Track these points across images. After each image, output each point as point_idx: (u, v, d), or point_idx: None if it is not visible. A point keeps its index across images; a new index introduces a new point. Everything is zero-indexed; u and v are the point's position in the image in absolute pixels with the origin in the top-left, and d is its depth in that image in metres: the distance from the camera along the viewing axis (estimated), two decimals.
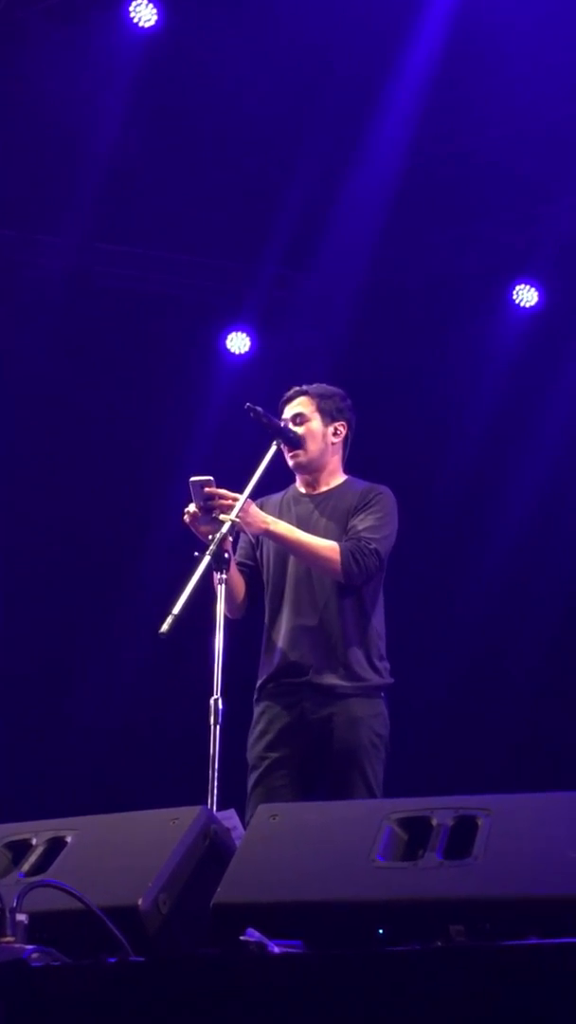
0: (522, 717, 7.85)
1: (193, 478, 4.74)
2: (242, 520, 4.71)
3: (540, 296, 8.29)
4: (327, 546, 4.85)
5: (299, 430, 5.04)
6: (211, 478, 4.73)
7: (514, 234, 8.03)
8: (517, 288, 8.29)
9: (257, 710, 4.95)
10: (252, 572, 5.07)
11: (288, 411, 5.11)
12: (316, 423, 5.08)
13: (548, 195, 7.79)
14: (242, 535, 5.05)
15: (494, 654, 8.07)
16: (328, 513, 5.00)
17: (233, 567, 4.80)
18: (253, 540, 5.09)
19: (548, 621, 7.95)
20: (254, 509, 4.81)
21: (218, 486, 4.72)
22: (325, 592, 4.91)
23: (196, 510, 4.72)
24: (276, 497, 5.15)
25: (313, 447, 5.06)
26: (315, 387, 5.16)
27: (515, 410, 8.16)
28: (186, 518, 4.76)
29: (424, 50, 7.15)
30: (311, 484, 5.11)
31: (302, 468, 5.08)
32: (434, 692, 7.74)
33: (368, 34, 7.09)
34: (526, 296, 8.30)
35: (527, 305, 8.31)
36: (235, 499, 4.70)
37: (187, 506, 4.75)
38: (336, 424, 5.11)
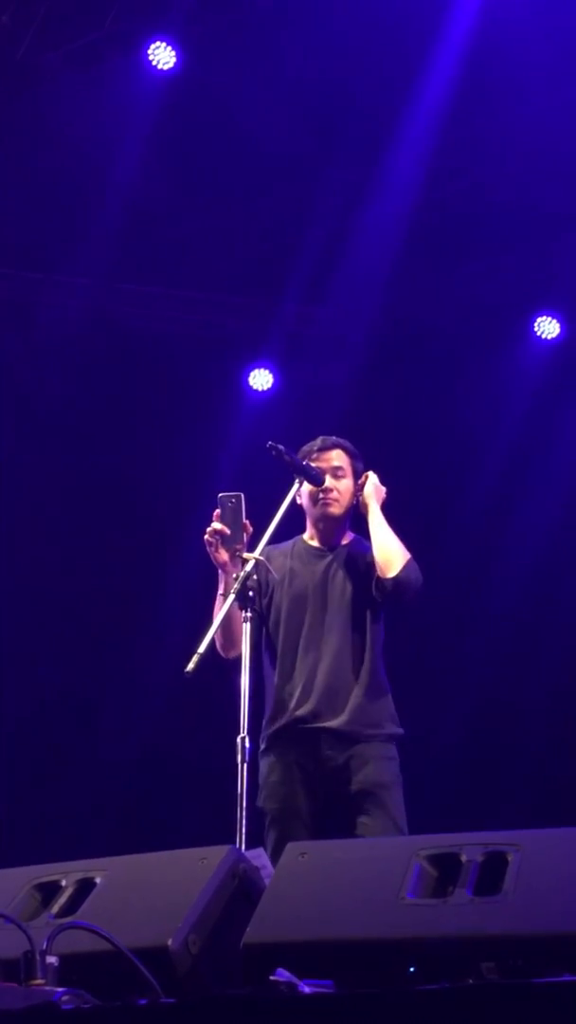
0: (547, 752, 7.81)
1: (222, 494, 4.75)
2: (365, 491, 5.04)
3: (562, 328, 8.29)
4: (402, 547, 4.99)
5: (339, 484, 5.09)
6: (240, 495, 4.74)
7: (535, 267, 8.03)
8: (539, 320, 8.30)
9: (268, 759, 4.92)
10: (258, 618, 5.02)
11: (328, 462, 5.13)
12: (349, 480, 5.16)
13: (568, 227, 7.79)
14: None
15: (514, 688, 8.03)
16: (345, 569, 5.06)
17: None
18: (263, 587, 5.07)
19: (568, 655, 7.91)
20: (373, 489, 5.06)
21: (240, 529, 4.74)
22: (340, 639, 4.93)
23: (222, 529, 4.72)
24: (286, 546, 5.16)
25: (346, 502, 5.13)
26: (346, 444, 5.23)
27: (537, 443, 8.14)
28: (207, 537, 4.76)
29: (440, 84, 7.18)
30: (326, 536, 5.15)
31: (332, 519, 5.12)
32: (455, 730, 7.72)
33: (384, 69, 7.12)
34: (548, 328, 8.30)
35: (549, 337, 8.31)
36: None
37: (211, 523, 4.76)
38: (358, 483, 5.19)
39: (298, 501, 5.04)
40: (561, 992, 2.21)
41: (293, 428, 7.41)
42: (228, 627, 4.75)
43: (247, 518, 4.75)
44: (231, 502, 4.74)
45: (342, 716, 4.85)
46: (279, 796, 4.84)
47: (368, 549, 5.07)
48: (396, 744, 4.96)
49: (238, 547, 4.72)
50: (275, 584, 5.07)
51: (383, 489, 5.12)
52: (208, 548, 4.78)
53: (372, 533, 5.02)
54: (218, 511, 4.76)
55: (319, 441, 5.20)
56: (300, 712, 4.89)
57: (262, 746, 4.92)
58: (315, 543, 5.17)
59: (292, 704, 4.91)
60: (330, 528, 5.14)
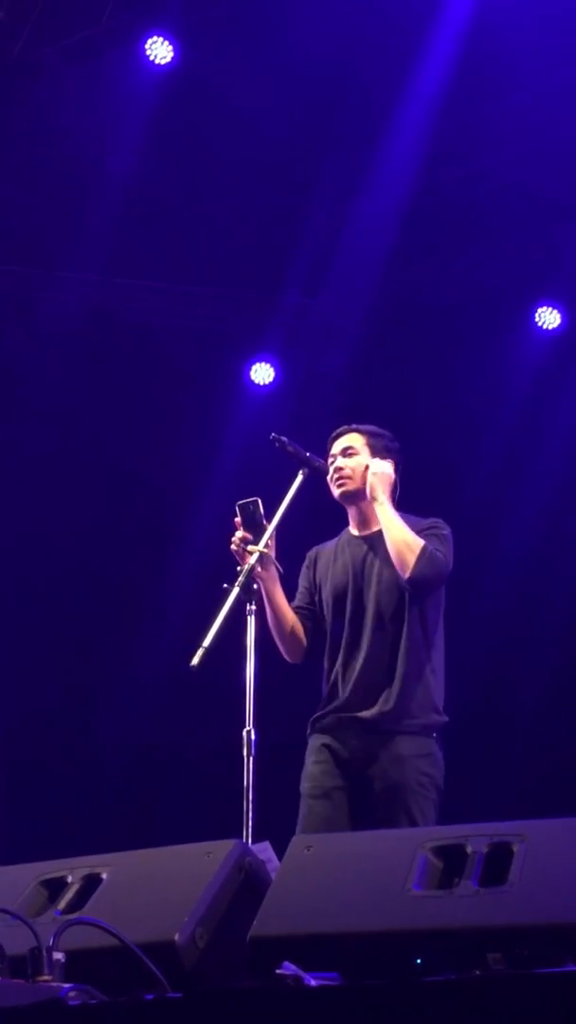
0: (553, 740, 7.80)
1: (240, 502, 4.77)
2: (368, 481, 4.92)
3: (563, 318, 8.28)
4: (415, 539, 4.88)
5: (348, 462, 5.07)
6: (257, 499, 4.76)
7: (536, 256, 8.02)
8: (539, 310, 8.28)
9: (309, 746, 4.96)
10: (312, 616, 5.09)
11: (337, 445, 5.14)
12: (365, 457, 5.10)
13: (569, 215, 7.78)
14: (301, 580, 5.09)
15: (519, 676, 8.02)
16: (383, 556, 4.99)
17: (287, 609, 4.92)
18: (311, 585, 5.11)
19: (571, 642, 7.91)
20: (380, 479, 4.94)
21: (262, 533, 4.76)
22: (385, 630, 4.91)
23: (246, 535, 4.76)
24: (330, 545, 5.18)
25: (359, 478, 5.08)
26: (365, 426, 5.21)
27: (537, 433, 8.14)
28: (233, 546, 4.80)
29: (438, 71, 7.17)
30: (362, 522, 5.11)
31: (348, 497, 5.09)
32: (462, 718, 7.71)
33: (381, 57, 7.12)
34: (548, 318, 8.29)
35: (550, 327, 8.30)
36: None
37: (234, 532, 4.79)
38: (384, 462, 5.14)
39: (310, 480, 5.05)
40: (568, 982, 2.21)
41: (295, 421, 7.44)
42: (280, 634, 4.89)
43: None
44: (249, 508, 4.77)
45: (374, 707, 4.83)
46: (312, 776, 4.86)
47: (411, 524, 5.02)
48: (436, 734, 4.90)
49: (264, 551, 4.76)
50: (321, 579, 5.10)
51: (388, 476, 5.01)
52: (236, 556, 4.82)
53: (383, 529, 4.97)
54: (239, 519, 4.79)
55: (335, 433, 5.21)
56: (337, 702, 4.91)
57: (308, 729, 4.97)
58: (355, 532, 5.15)
59: (333, 694, 4.93)
60: (361, 511, 5.10)
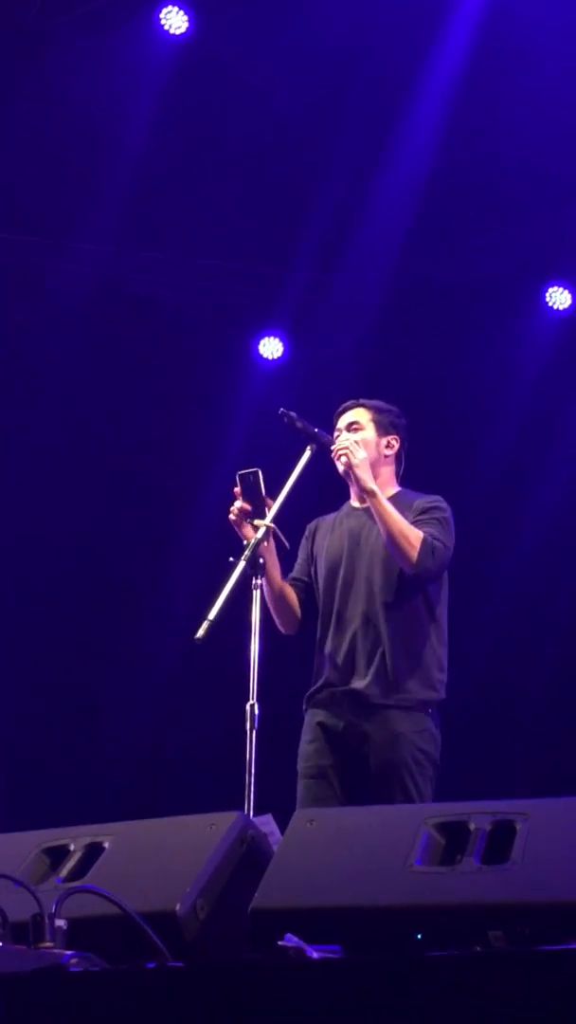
0: (557, 720, 7.81)
1: (241, 471, 4.77)
2: (355, 472, 4.85)
3: (574, 299, 8.26)
4: (414, 531, 4.85)
5: (353, 437, 5.05)
6: (257, 470, 4.75)
7: (547, 236, 7.99)
8: (550, 291, 8.26)
9: (306, 719, 4.95)
10: (307, 588, 5.09)
11: (343, 420, 5.14)
12: (370, 432, 5.10)
13: None
14: (300, 552, 5.10)
15: (526, 656, 8.02)
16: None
17: (283, 582, 4.91)
18: (308, 557, 5.12)
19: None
20: (364, 467, 4.88)
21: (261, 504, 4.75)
22: (376, 603, 4.90)
23: (244, 506, 4.75)
24: (331, 517, 5.18)
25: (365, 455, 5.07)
26: (371, 401, 5.20)
27: (547, 414, 8.12)
28: (232, 516, 4.78)
29: (453, 51, 7.13)
30: (363, 496, 5.10)
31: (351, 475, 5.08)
32: (465, 696, 7.71)
33: (397, 36, 7.07)
34: (559, 299, 8.27)
35: (560, 308, 8.28)
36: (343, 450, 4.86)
37: (233, 502, 4.78)
38: (389, 437, 5.14)
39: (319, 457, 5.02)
40: (568, 960, 2.21)
41: (303, 397, 7.42)
42: (275, 605, 4.88)
43: (266, 493, 4.78)
44: (250, 478, 4.76)
45: (364, 679, 4.82)
46: (307, 755, 4.87)
47: (410, 500, 5.03)
48: (434, 711, 4.88)
49: (270, 526, 4.75)
50: (318, 551, 5.09)
51: (366, 461, 4.93)
52: (235, 527, 4.81)
53: (379, 523, 4.90)
54: (238, 489, 4.78)
55: (341, 407, 5.20)
56: (327, 673, 4.91)
57: (304, 705, 4.96)
58: (356, 504, 5.15)
59: (325, 668, 4.93)
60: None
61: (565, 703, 7.82)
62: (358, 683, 4.83)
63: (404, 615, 4.91)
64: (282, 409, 4.90)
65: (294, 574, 5.11)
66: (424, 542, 4.83)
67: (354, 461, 4.91)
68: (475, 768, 7.57)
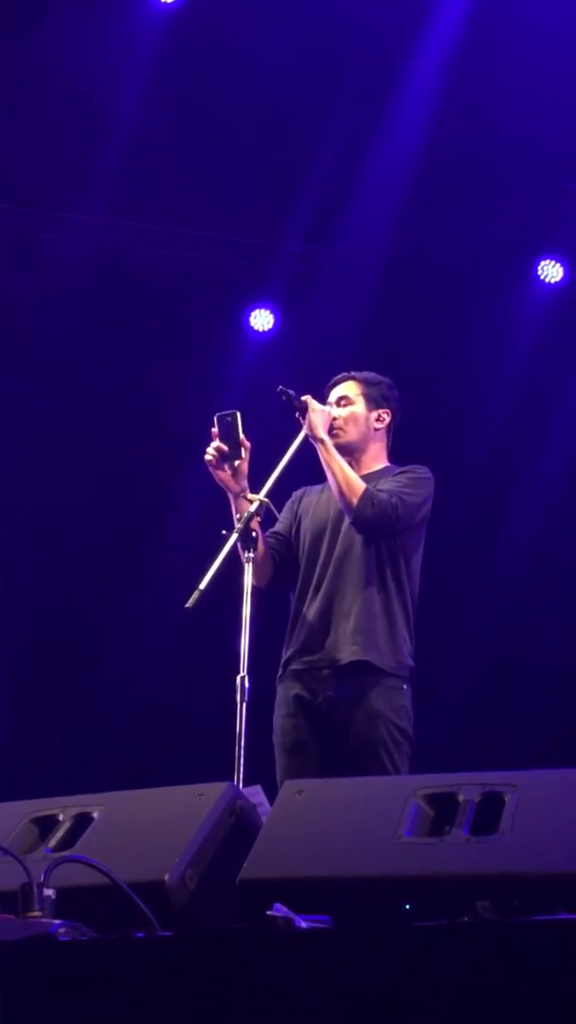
0: (548, 693, 7.82)
1: (219, 413, 4.76)
2: (307, 421, 4.83)
3: (565, 272, 8.24)
4: (356, 482, 4.87)
5: (342, 412, 5.05)
6: (236, 412, 4.75)
7: (540, 209, 7.97)
8: (542, 264, 8.24)
9: (280, 689, 4.94)
10: (286, 544, 5.07)
11: (333, 394, 5.14)
12: (360, 407, 5.10)
13: (575, 169, 7.73)
14: (283, 512, 5.09)
15: (520, 632, 8.03)
16: None
17: (261, 537, 4.86)
18: (291, 516, 5.11)
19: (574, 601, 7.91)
20: (319, 417, 4.87)
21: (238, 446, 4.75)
22: (353, 571, 4.90)
23: (221, 446, 4.75)
24: (317, 487, 5.17)
25: (354, 430, 5.08)
26: (363, 373, 5.19)
27: (540, 387, 8.11)
28: (208, 456, 4.78)
29: (448, 22, 7.11)
30: (352, 468, 5.07)
31: (342, 450, 5.05)
32: (459, 671, 7.73)
33: (392, 7, 7.05)
34: (551, 272, 8.25)
35: (552, 281, 8.26)
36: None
37: (210, 444, 4.78)
38: (380, 411, 5.14)
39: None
40: (555, 930, 2.22)
41: (294, 369, 7.41)
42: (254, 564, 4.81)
43: (244, 435, 4.80)
44: (227, 420, 4.76)
45: (340, 649, 4.82)
46: (285, 729, 4.87)
47: (391, 474, 5.04)
48: (407, 685, 4.87)
49: (238, 463, 4.77)
50: (303, 516, 5.10)
51: (325, 414, 4.94)
52: (209, 468, 4.82)
53: (325, 470, 4.92)
54: (215, 430, 4.79)
55: (332, 381, 5.19)
56: (304, 642, 4.90)
57: (279, 673, 4.96)
58: None
59: (299, 635, 4.92)
60: (353, 459, 5.08)
61: (563, 683, 7.82)
62: (331, 648, 4.84)
63: (380, 584, 4.91)
64: (280, 387, 4.90)
65: (274, 529, 5.10)
66: (365, 491, 4.84)
67: (312, 408, 4.90)
68: (472, 744, 7.60)
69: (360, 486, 4.85)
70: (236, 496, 4.84)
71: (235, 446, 4.77)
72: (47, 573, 8.09)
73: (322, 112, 7.59)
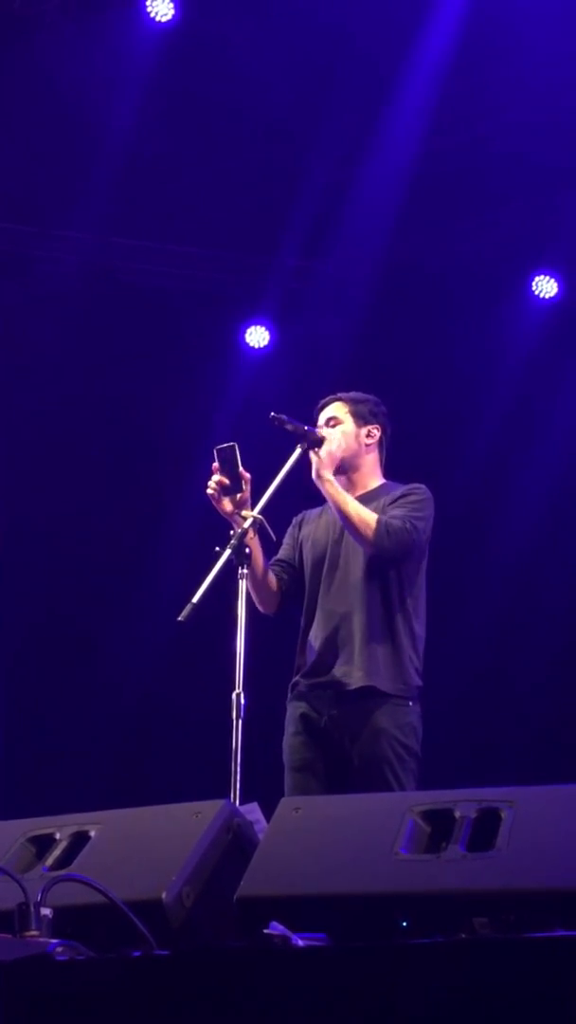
0: (543, 709, 7.82)
1: (218, 446, 4.77)
2: (315, 460, 4.82)
3: (560, 287, 8.26)
4: (368, 514, 4.89)
5: (333, 432, 5.07)
6: (234, 444, 4.76)
7: (534, 223, 7.98)
8: (536, 279, 8.25)
9: (289, 710, 4.97)
10: (290, 570, 5.10)
11: (322, 416, 5.17)
12: (349, 425, 5.14)
13: (569, 183, 7.74)
14: (285, 538, 5.11)
15: (514, 646, 8.03)
16: None
17: (263, 562, 4.91)
18: (294, 542, 5.13)
19: (569, 611, 7.91)
20: (321, 459, 4.87)
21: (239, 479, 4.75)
22: (355, 592, 4.91)
23: (222, 480, 4.76)
24: (316, 510, 5.20)
25: (345, 447, 5.08)
26: (349, 393, 5.22)
27: (534, 402, 8.13)
28: (209, 490, 4.79)
29: (441, 36, 7.13)
30: (348, 488, 5.11)
31: (335, 470, 5.08)
32: (455, 684, 7.72)
33: (384, 21, 7.07)
34: (545, 287, 8.26)
35: (547, 296, 8.27)
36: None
37: (211, 477, 4.79)
38: (370, 427, 5.16)
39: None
40: (553, 947, 2.22)
41: (289, 385, 7.42)
42: (256, 587, 4.85)
43: (243, 467, 4.80)
44: (226, 453, 4.77)
45: (341, 670, 4.84)
46: (293, 747, 4.89)
47: (391, 491, 5.06)
48: (415, 703, 4.88)
49: (240, 496, 4.78)
50: (304, 541, 5.12)
51: (334, 456, 4.94)
52: (212, 502, 4.82)
53: (334, 508, 4.95)
54: (216, 464, 4.80)
55: (320, 404, 5.22)
56: (311, 666, 4.92)
57: (288, 696, 4.99)
58: None
59: (308, 658, 4.94)
60: (348, 477, 5.12)
61: (557, 691, 7.82)
62: (338, 674, 4.85)
63: (383, 605, 4.92)
64: (273, 413, 4.90)
65: (279, 556, 5.14)
66: (379, 523, 4.87)
67: (329, 448, 4.92)
68: (467, 758, 7.59)
69: (372, 517, 4.89)
70: (238, 527, 4.81)
71: (235, 478, 4.78)
72: (42, 588, 8.09)
73: (315, 127, 7.61)
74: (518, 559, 8.02)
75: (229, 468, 4.78)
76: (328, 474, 4.92)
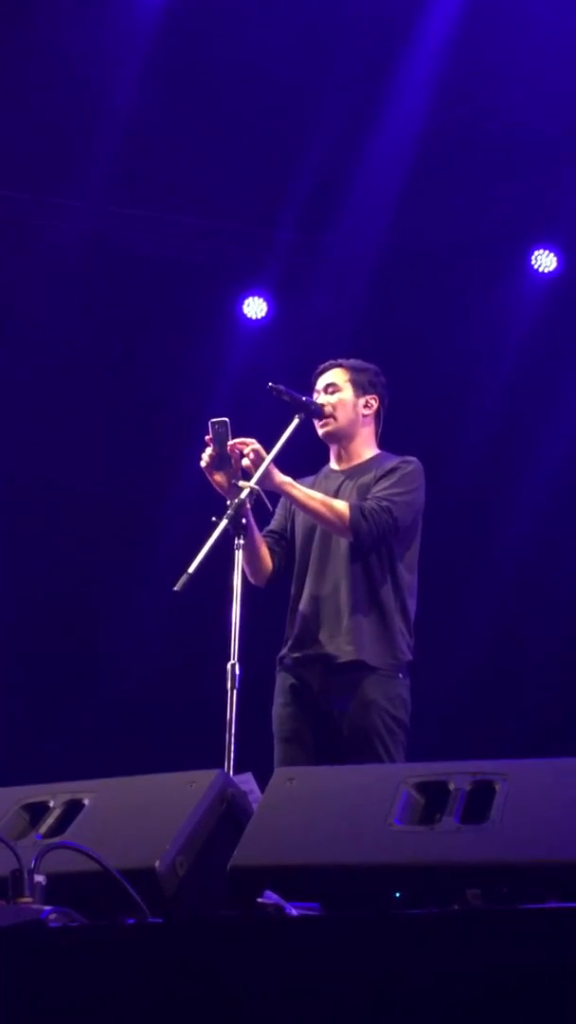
0: (541, 684, 7.83)
1: (212, 420, 4.78)
2: (262, 477, 4.72)
3: (559, 261, 8.23)
4: (338, 504, 4.87)
5: (331, 399, 5.07)
6: (226, 420, 4.76)
7: (534, 198, 7.95)
8: (536, 253, 8.23)
9: (278, 681, 4.96)
10: (282, 542, 5.08)
11: (321, 381, 5.14)
12: (348, 393, 5.11)
13: (570, 157, 7.71)
14: (278, 508, 5.09)
15: (515, 623, 8.03)
16: (356, 486, 5.01)
17: (257, 534, 4.90)
18: (286, 513, 5.12)
19: (572, 592, 7.91)
20: (272, 468, 4.79)
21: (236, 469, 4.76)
22: (343, 565, 4.90)
23: (214, 453, 4.76)
24: (310, 478, 5.17)
25: (343, 416, 5.09)
26: (350, 361, 5.19)
27: (534, 376, 8.11)
28: (203, 462, 4.79)
29: (445, 8, 7.09)
30: (342, 457, 5.12)
31: (331, 437, 5.10)
32: (454, 660, 7.73)
33: None
34: (545, 261, 8.24)
35: (546, 270, 8.25)
36: (253, 448, 4.75)
37: (204, 449, 4.78)
38: (368, 397, 5.14)
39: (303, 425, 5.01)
40: (545, 918, 2.23)
41: (286, 357, 7.40)
42: (248, 558, 4.80)
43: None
44: (218, 427, 4.78)
45: (334, 643, 4.83)
46: (282, 718, 4.89)
47: (384, 462, 5.04)
48: (404, 675, 4.87)
49: (231, 470, 4.77)
50: (296, 512, 5.09)
51: (276, 473, 4.79)
52: (205, 473, 4.82)
53: (307, 513, 4.93)
54: (209, 436, 4.80)
55: (319, 369, 5.19)
56: (300, 637, 4.91)
57: (277, 667, 4.97)
58: (335, 466, 5.17)
59: (294, 629, 4.93)
60: (343, 447, 5.12)
61: (555, 673, 7.82)
62: (327, 647, 4.84)
63: (372, 579, 4.91)
64: (270, 384, 4.89)
65: (271, 526, 5.12)
66: (352, 509, 4.84)
67: (264, 476, 4.76)
68: (466, 736, 7.60)
69: (343, 506, 4.86)
70: (232, 499, 4.80)
71: (226, 452, 4.78)
72: (39, 559, 8.09)
73: (317, 100, 7.57)
74: (523, 537, 8.01)
75: (220, 442, 4.78)
76: (283, 478, 4.83)
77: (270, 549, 5.04)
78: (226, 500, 4.79)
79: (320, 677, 4.85)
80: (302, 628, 4.91)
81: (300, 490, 4.89)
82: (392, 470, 5.01)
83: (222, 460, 4.78)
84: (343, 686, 4.81)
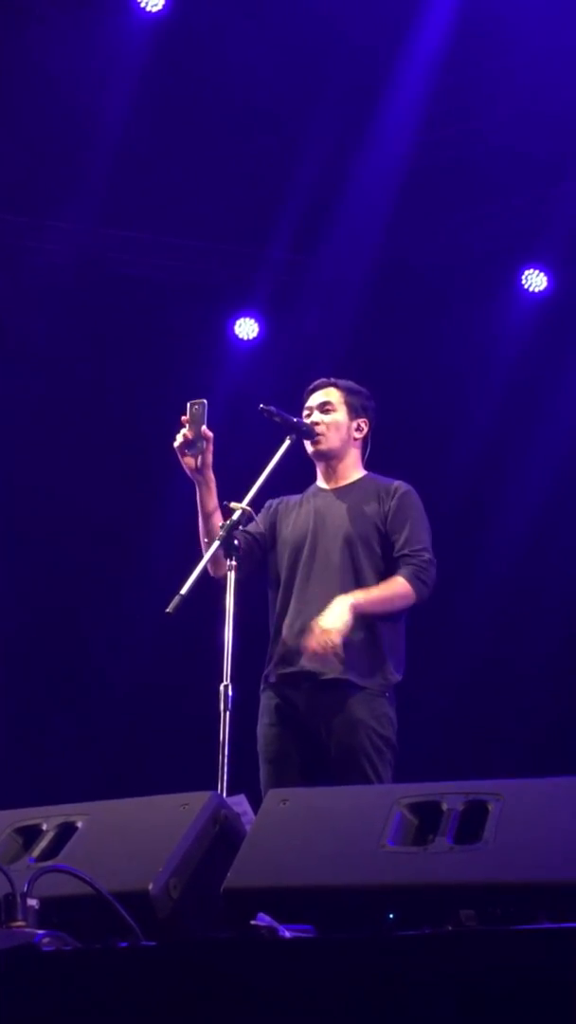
0: (533, 702, 7.83)
1: (191, 401, 4.80)
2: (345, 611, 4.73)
3: (549, 281, 8.25)
4: (401, 589, 4.86)
5: (325, 418, 5.07)
6: (204, 401, 4.77)
7: (524, 217, 7.97)
8: (526, 273, 8.25)
9: (262, 700, 4.94)
10: (253, 541, 5.02)
11: (314, 399, 5.15)
12: (342, 415, 5.12)
13: (559, 177, 7.74)
14: (260, 517, 5.06)
15: (507, 640, 8.03)
16: (347, 506, 5.02)
17: (216, 505, 4.89)
18: (265, 520, 5.10)
19: (562, 607, 7.91)
20: (350, 613, 4.76)
21: (223, 474, 4.75)
22: (333, 581, 4.88)
23: (189, 434, 4.77)
24: (296, 498, 5.17)
25: (336, 436, 5.10)
26: (344, 382, 5.20)
27: (524, 396, 8.12)
28: (176, 442, 4.81)
29: (433, 29, 7.12)
30: (330, 476, 5.12)
31: (321, 455, 5.10)
32: (446, 678, 7.73)
33: (377, 13, 7.05)
34: (535, 281, 8.26)
35: (536, 290, 8.27)
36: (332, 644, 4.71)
37: (180, 429, 4.81)
38: (360, 420, 5.16)
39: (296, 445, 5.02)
40: (539, 939, 2.23)
41: (278, 377, 7.41)
42: (207, 535, 4.85)
43: (208, 426, 4.80)
44: (195, 408, 4.79)
45: (320, 661, 4.77)
46: (268, 738, 4.87)
47: (377, 485, 5.06)
48: (391, 694, 4.86)
49: (198, 453, 4.79)
50: (281, 527, 5.09)
51: (337, 613, 4.76)
52: (178, 454, 4.84)
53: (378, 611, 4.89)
54: (186, 417, 4.81)
55: (313, 385, 5.21)
56: (282, 656, 4.89)
57: (261, 686, 4.95)
58: (323, 484, 5.17)
59: (280, 648, 4.91)
60: (332, 467, 5.12)
61: (548, 691, 7.82)
62: (314, 667, 4.80)
63: None
64: (262, 405, 4.91)
65: (248, 527, 5.00)
66: (413, 584, 4.87)
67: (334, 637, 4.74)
68: (450, 750, 7.60)
69: (405, 588, 4.86)
70: (199, 484, 4.86)
71: (198, 436, 4.79)
72: (31, 581, 8.07)
73: (307, 120, 7.60)
74: (510, 555, 8.01)
75: (195, 424, 4.78)
76: (352, 604, 4.77)
77: (247, 545, 4.93)
78: (196, 496, 4.84)
79: (306, 695, 4.82)
80: (287, 645, 4.89)
81: (370, 602, 4.85)
82: (400, 509, 5.00)
83: (192, 443, 4.79)
84: (329, 704, 4.79)
